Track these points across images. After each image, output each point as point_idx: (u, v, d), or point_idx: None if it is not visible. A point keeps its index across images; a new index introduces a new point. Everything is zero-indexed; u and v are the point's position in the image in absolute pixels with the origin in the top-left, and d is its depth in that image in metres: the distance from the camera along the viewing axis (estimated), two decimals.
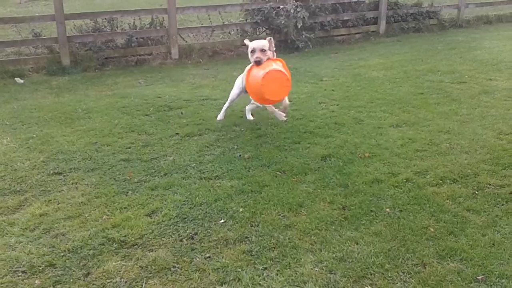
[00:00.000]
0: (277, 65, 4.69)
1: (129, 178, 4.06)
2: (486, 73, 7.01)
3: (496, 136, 4.65)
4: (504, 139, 4.57)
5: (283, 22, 9.00)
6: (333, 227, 3.28)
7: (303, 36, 9.29)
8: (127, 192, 3.83)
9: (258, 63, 4.71)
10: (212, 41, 9.24)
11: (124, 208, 3.59)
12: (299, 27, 9.14)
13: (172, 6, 8.59)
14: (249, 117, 5.49)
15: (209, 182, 3.97)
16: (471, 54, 8.41)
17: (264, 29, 9.63)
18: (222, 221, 3.39)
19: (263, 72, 4.54)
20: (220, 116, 5.47)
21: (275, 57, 4.92)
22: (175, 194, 3.77)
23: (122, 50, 8.47)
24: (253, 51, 4.79)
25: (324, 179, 3.97)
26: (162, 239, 3.21)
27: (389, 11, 10.60)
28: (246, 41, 5.01)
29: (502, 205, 3.46)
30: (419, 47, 9.22)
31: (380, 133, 4.92)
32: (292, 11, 8.99)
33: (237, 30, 9.67)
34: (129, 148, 4.71)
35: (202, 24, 9.62)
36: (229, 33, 9.70)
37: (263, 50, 4.76)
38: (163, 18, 8.97)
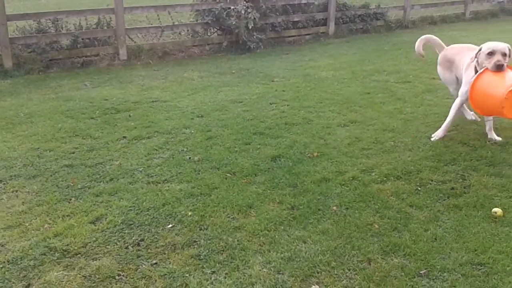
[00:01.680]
0: None
1: (72, 184, 3.92)
2: (429, 73, 7.26)
3: None
4: (446, 136, 4.73)
5: (234, 23, 8.99)
6: (282, 227, 3.30)
7: (255, 37, 9.31)
8: (70, 199, 3.70)
9: (500, 67, 4.09)
10: (162, 42, 9.10)
11: (67, 216, 3.47)
12: (250, 28, 9.16)
13: (119, 5, 8.39)
14: (469, 117, 5.07)
15: (157, 186, 3.89)
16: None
17: (215, 29, 9.58)
18: (170, 225, 3.34)
19: (509, 84, 3.92)
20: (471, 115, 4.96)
21: None
22: (121, 200, 3.67)
23: (67, 52, 8.19)
24: (491, 53, 4.21)
25: (274, 179, 3.98)
26: (107, 247, 3.12)
27: (338, 12, 10.81)
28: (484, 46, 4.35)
29: (444, 200, 3.59)
30: (367, 48, 9.45)
31: (329, 133, 4.99)
32: (243, 12, 9.00)
33: (188, 30, 9.57)
34: (73, 153, 4.55)
35: (151, 24, 9.46)
36: (180, 33, 9.59)
37: (504, 55, 4.19)
38: (110, 18, 8.74)
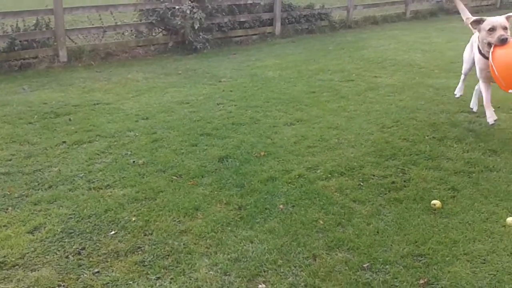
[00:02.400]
0: None
1: (9, 193, 3.73)
2: (372, 71, 7.48)
3: (380, 130, 4.97)
4: (387, 132, 4.89)
5: (179, 22, 8.88)
6: (229, 228, 3.28)
7: (201, 37, 9.24)
8: (7, 209, 3.51)
9: (504, 41, 4.19)
10: (104, 42, 8.84)
11: (4, 226, 3.29)
12: (196, 28, 9.07)
13: (58, 6, 8.08)
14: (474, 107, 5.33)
15: (99, 192, 3.77)
16: (359, 53, 8.93)
17: (160, 30, 9.42)
18: (113, 232, 3.24)
19: None
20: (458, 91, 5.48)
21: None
22: (61, 208, 3.53)
23: (4, 54, 7.80)
24: (492, 29, 4.29)
25: (221, 180, 3.96)
26: (46, 257, 2.98)
27: (283, 13, 10.91)
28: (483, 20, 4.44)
29: (385, 194, 3.70)
30: (312, 48, 9.60)
31: (275, 132, 5.03)
32: (188, 11, 8.90)
33: (131, 30, 9.35)
34: (10, 160, 4.33)
35: (93, 24, 9.17)
36: (123, 34, 9.36)
37: (505, 28, 4.28)
38: (49, 19, 8.39)
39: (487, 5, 15.32)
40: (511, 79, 4.18)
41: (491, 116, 4.54)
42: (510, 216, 3.33)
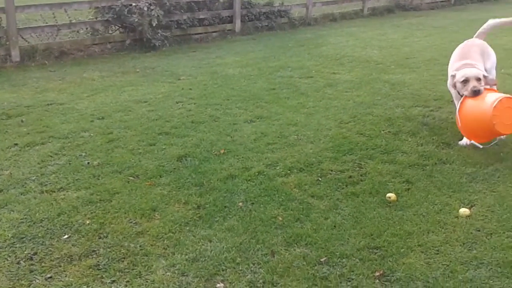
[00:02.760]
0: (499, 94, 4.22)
1: None
2: (330, 68, 7.57)
3: (338, 125, 5.03)
4: (345, 128, 4.96)
5: (136, 20, 8.70)
6: (187, 228, 3.24)
7: (159, 34, 9.08)
8: None
9: (476, 93, 4.22)
10: (58, 41, 8.55)
11: None
12: (154, 25, 8.91)
13: (10, 4, 7.76)
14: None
15: (51, 195, 3.65)
16: (318, 50, 9.02)
17: (116, 27, 9.21)
18: (66, 236, 3.14)
19: (492, 100, 4.02)
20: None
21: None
22: (12, 212, 3.40)
23: None
24: (465, 81, 4.33)
25: (180, 179, 3.91)
26: None
27: (243, 10, 10.88)
28: (453, 73, 4.50)
29: (342, 188, 3.75)
30: (272, 45, 9.63)
31: (235, 129, 5.01)
32: (145, 9, 8.73)
33: (87, 28, 9.09)
34: None
35: (46, 23, 8.86)
36: (78, 32, 9.09)
37: (478, 79, 4.31)
38: (0, 18, 8.07)
39: (441, 1, 15.79)
40: (468, 133, 4.38)
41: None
42: (463, 207, 3.44)
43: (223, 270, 2.82)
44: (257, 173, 4.00)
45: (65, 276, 2.76)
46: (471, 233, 3.14)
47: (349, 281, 2.72)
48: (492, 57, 4.95)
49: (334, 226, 3.24)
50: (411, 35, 10.33)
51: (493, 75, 4.80)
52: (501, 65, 7.49)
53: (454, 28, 11.08)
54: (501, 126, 4.04)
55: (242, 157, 4.32)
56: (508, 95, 4.15)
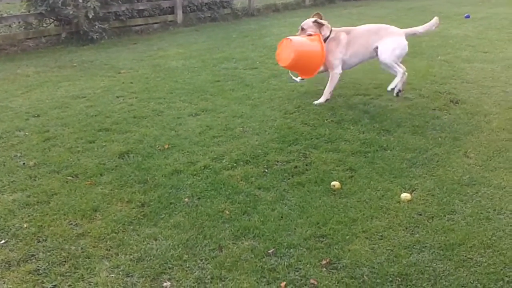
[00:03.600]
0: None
1: None
2: (274, 58, 7.46)
3: (283, 116, 5.05)
4: (289, 118, 4.99)
5: (71, 12, 8.33)
6: (131, 227, 3.14)
7: (97, 27, 8.76)
8: None
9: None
10: None
11: None
12: (90, 17, 8.57)
13: None
14: None
15: None
16: (262, 41, 9.02)
17: (51, 20, 8.79)
18: (3, 241, 2.97)
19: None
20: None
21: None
22: None
23: None
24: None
25: (122, 177, 3.78)
26: None
27: (185, 0, 10.70)
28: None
29: (288, 179, 3.76)
30: (216, 36, 9.53)
31: (180, 123, 4.91)
32: (80, 0, 8.37)
33: (20, 22, 8.62)
34: None
35: None
36: (10, 26, 8.59)
37: (302, 29, 5.51)
38: None
39: (295, 1, 15.06)
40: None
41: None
42: (404, 192, 3.54)
43: (169, 268, 2.75)
44: (203, 167, 3.94)
45: (3, 283, 2.61)
46: (413, 217, 3.25)
47: (297, 271, 2.73)
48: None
49: (281, 217, 3.25)
50: (351, 25, 10.51)
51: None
52: (438, 51, 7.81)
53: (393, 17, 11.42)
54: (282, 61, 5.33)
55: (187, 152, 4.24)
56: (288, 37, 5.35)
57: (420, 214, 3.29)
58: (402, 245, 2.97)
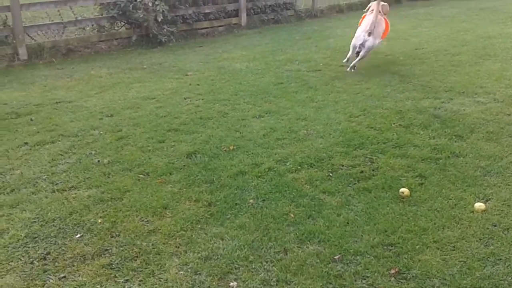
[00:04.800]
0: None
1: None
2: (338, 60, 7.48)
3: (347, 119, 4.98)
4: (354, 121, 4.91)
5: (141, 15, 8.66)
6: (199, 226, 3.23)
7: (165, 30, 9.05)
8: None
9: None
10: (65, 38, 8.55)
11: None
12: (159, 20, 8.87)
13: (15, 2, 7.74)
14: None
15: (63, 194, 3.64)
16: (325, 42, 8.94)
17: (122, 23, 9.19)
18: (79, 235, 3.14)
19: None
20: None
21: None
22: (24, 212, 3.40)
23: None
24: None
25: (190, 177, 3.89)
26: (10, 263, 2.88)
27: (249, 3, 10.81)
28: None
29: (354, 184, 3.71)
30: (279, 38, 9.56)
31: (244, 125, 4.97)
32: (150, 4, 8.68)
33: (93, 25, 9.07)
34: None
35: (52, 20, 8.85)
36: (84, 29, 9.07)
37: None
38: (6, 16, 8.06)
39: (360, 1, 14.69)
40: None
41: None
42: (478, 201, 3.39)
43: (236, 269, 2.80)
44: (267, 169, 3.97)
45: (79, 276, 2.76)
46: (487, 228, 3.10)
47: (364, 279, 2.69)
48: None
49: (347, 223, 3.20)
50: (419, 25, 10.21)
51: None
52: None
53: (462, 17, 10.94)
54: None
55: (252, 153, 4.29)
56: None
57: (495, 225, 3.13)
58: (475, 257, 2.84)
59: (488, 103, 5.27)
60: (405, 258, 2.84)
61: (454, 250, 2.90)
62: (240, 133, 4.77)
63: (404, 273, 2.72)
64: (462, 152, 4.14)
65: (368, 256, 2.87)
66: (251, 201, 3.50)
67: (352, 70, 6.79)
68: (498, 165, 3.90)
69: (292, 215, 3.31)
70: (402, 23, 10.68)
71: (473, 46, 8.00)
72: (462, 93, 5.59)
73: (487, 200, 3.41)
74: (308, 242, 3.02)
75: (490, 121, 4.77)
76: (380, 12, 6.70)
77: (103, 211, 3.41)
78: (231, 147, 4.40)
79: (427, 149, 4.20)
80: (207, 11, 10.15)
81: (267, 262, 2.85)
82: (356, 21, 11.07)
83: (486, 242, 2.97)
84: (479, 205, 3.31)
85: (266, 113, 5.29)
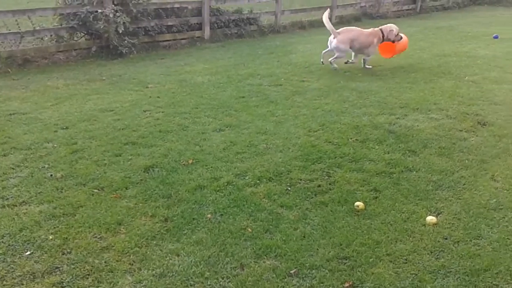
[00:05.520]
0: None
1: None
2: (299, 75, 7.60)
3: (306, 134, 5.04)
4: (313, 136, 4.98)
5: (102, 27, 8.54)
6: (154, 242, 3.17)
7: (126, 41, 8.94)
8: None
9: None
10: (22, 48, 8.31)
11: None
12: (120, 32, 8.77)
13: None
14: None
15: (13, 209, 3.51)
16: (287, 57, 9.06)
17: (82, 34, 9.02)
18: (29, 252, 3.03)
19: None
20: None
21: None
22: None
23: None
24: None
25: (146, 191, 3.83)
26: None
27: (212, 17, 10.85)
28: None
29: (311, 198, 3.74)
30: (242, 52, 9.62)
31: (204, 138, 4.95)
32: (111, 15, 8.58)
33: (51, 35, 8.86)
34: None
35: (9, 30, 8.59)
36: (42, 39, 8.85)
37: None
38: None
39: (407, 10, 16.19)
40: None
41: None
42: (429, 215, 3.48)
43: (191, 286, 2.76)
44: (226, 183, 3.95)
45: None
46: (439, 241, 3.19)
47: None
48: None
49: (304, 237, 3.22)
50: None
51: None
52: (465, 72, 7.70)
53: (420, 36, 11.34)
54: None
55: (211, 167, 4.27)
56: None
57: (446, 238, 3.23)
58: (426, 270, 2.91)
59: (441, 119, 5.47)
60: (359, 271, 2.88)
61: (406, 263, 2.97)
62: (200, 146, 4.74)
63: (357, 287, 2.75)
64: (415, 166, 4.26)
65: (324, 270, 2.89)
66: (208, 215, 3.48)
67: (331, 66, 8.03)
68: (450, 179, 4.04)
69: (249, 229, 3.30)
70: None
71: (428, 64, 8.30)
72: (417, 109, 5.77)
73: (438, 214, 3.52)
74: (265, 257, 3.02)
75: (443, 137, 4.94)
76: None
77: (54, 228, 3.30)
78: (190, 161, 4.37)
79: (382, 164, 4.31)
80: (170, 23, 10.12)
81: (223, 278, 2.82)
82: (318, 38, 11.38)
83: (437, 255, 3.05)
84: (431, 219, 3.41)
85: (227, 127, 5.29)
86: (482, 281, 2.80)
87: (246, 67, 8.25)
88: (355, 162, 4.35)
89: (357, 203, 3.60)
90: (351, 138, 4.89)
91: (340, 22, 14.03)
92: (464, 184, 3.95)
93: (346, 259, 2.99)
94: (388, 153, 4.53)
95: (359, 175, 4.09)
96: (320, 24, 13.71)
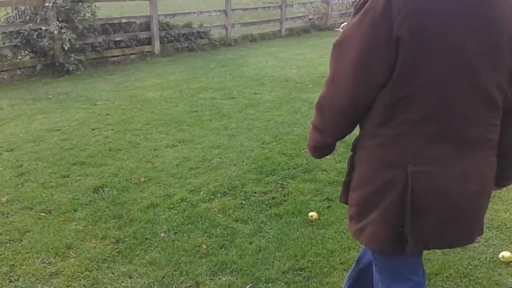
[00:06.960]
0: None
1: None
2: (251, 88, 7.65)
3: (260, 146, 5.07)
4: (267, 148, 5.01)
5: (47, 44, 8.28)
6: (106, 265, 3.07)
7: (73, 58, 8.70)
8: None
9: None
10: None
11: None
12: (66, 49, 8.53)
13: None
14: None
15: None
16: (239, 70, 9.11)
17: (27, 52, 8.73)
18: None
19: None
20: None
21: None
22: None
23: None
24: None
25: (96, 212, 3.71)
26: None
27: (162, 31, 10.77)
28: None
29: (266, 210, 3.75)
30: (193, 66, 9.59)
31: (156, 155, 4.88)
32: (56, 32, 8.34)
33: None
34: None
35: None
36: None
37: None
38: None
39: (272, 31, 15.66)
40: None
41: None
42: None
43: None
44: (179, 200, 3.90)
45: None
46: None
47: None
48: None
49: (259, 250, 3.22)
50: (327, 54, 10.70)
51: None
52: None
53: None
54: None
55: (164, 184, 4.20)
56: None
57: None
58: None
59: None
60: (314, 282, 2.90)
61: None
62: (152, 163, 4.66)
63: None
64: None
65: (279, 282, 2.89)
66: (162, 234, 3.41)
67: None
68: None
69: (204, 246, 3.26)
70: (311, 52, 11.21)
71: None
72: None
73: None
74: (221, 273, 2.98)
75: None
76: None
77: (0, 254, 3.14)
78: (142, 179, 4.29)
79: (334, 173, 4.38)
80: (118, 38, 9.96)
81: None
82: (268, 50, 11.53)
83: None
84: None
85: (180, 142, 5.23)
86: (433, 285, 2.88)
87: (198, 81, 8.22)
88: (308, 172, 4.41)
89: (311, 214, 3.63)
90: (303, 149, 4.95)
91: (290, 34, 14.31)
92: None
93: (301, 271, 3.01)
94: (339, 162, 4.62)
95: (312, 186, 4.14)
96: (271, 37, 14.01)
